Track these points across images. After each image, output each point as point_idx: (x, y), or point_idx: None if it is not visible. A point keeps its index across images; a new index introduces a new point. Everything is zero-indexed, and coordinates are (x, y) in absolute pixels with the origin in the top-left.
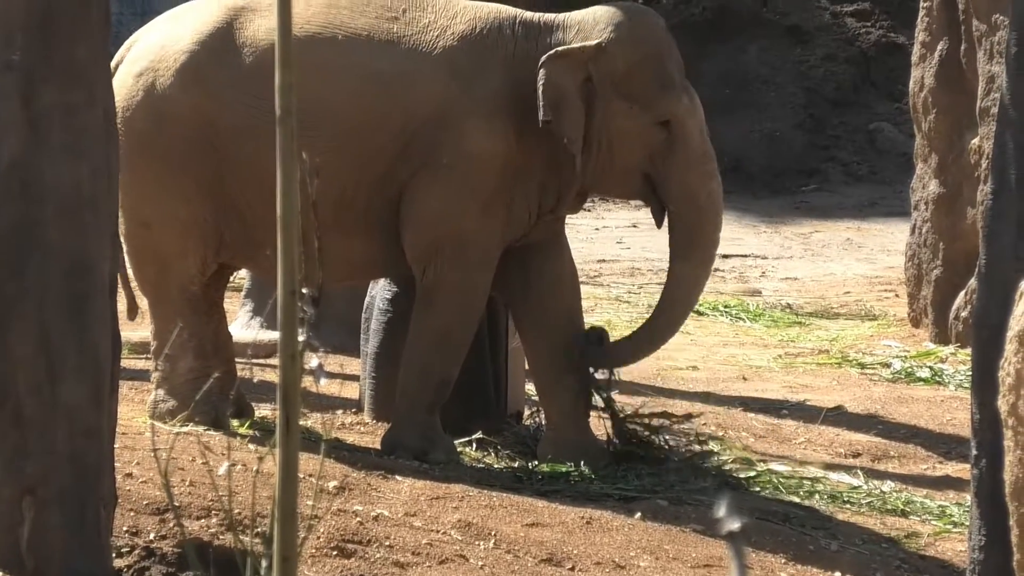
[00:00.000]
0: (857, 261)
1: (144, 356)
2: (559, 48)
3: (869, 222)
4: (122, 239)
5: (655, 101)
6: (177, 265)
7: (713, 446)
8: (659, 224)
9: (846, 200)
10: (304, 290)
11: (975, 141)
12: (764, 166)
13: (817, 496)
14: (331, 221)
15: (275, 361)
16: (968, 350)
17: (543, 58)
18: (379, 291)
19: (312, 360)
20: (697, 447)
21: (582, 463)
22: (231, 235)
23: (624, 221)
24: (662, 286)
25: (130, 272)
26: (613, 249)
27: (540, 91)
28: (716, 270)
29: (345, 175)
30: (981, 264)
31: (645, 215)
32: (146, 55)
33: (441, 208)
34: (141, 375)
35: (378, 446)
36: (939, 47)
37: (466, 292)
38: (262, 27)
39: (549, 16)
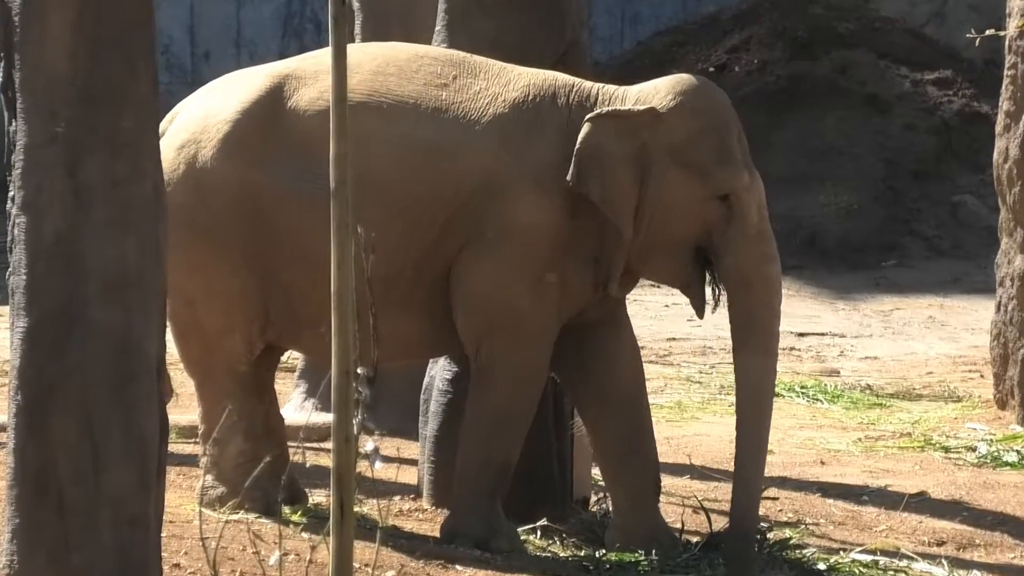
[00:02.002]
0: (940, 340)
1: (192, 440)
2: (611, 108)
3: (952, 299)
4: (168, 319)
5: (714, 173)
6: (223, 343)
7: (789, 533)
8: (700, 314)
9: (928, 276)
10: (359, 370)
11: None
12: (841, 240)
13: None
14: (378, 298)
15: (329, 444)
16: None
17: (590, 116)
18: (439, 371)
19: (368, 443)
20: (772, 535)
21: (652, 551)
22: (276, 312)
23: None
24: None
25: (175, 352)
26: (684, 327)
27: (576, 149)
28: (792, 348)
29: (391, 250)
30: None
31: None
32: (188, 127)
33: (492, 284)
34: (189, 460)
35: (437, 534)
36: None
37: (523, 371)
38: (306, 96)
39: (609, 87)
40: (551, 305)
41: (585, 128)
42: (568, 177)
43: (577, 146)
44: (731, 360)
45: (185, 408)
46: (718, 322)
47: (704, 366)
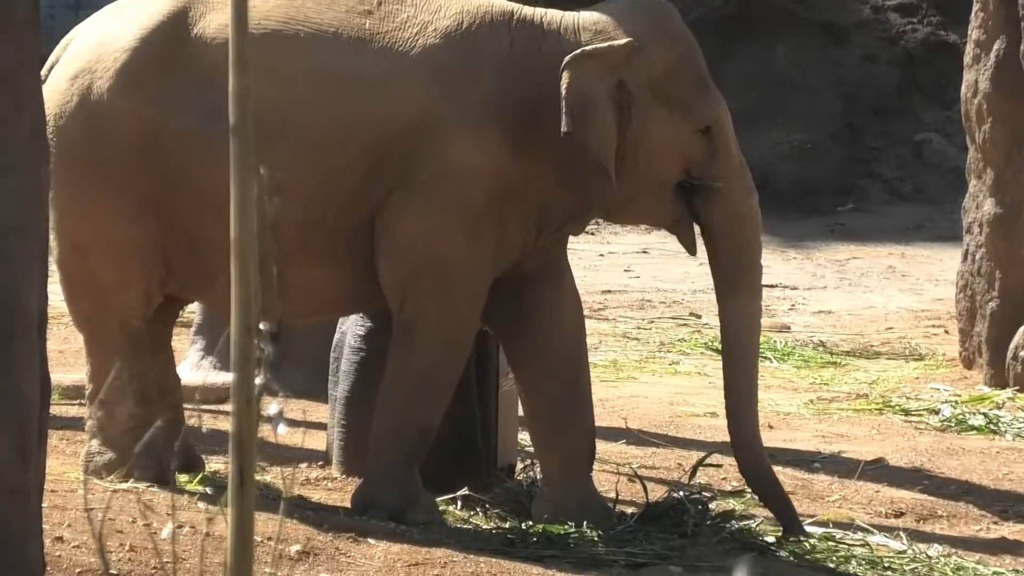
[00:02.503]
0: (901, 292)
1: (78, 401)
2: (587, 48)
3: (914, 247)
4: (55, 266)
5: (696, 105)
6: (117, 296)
7: (734, 503)
8: (692, 251)
9: (888, 222)
10: (262, 325)
11: None
12: (794, 183)
13: (854, 562)
14: (295, 248)
15: (228, 407)
16: None
17: (567, 59)
18: (350, 327)
19: (271, 406)
20: (715, 505)
21: (584, 523)
22: (179, 262)
23: (632, 246)
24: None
25: (64, 304)
26: (620, 278)
27: (564, 97)
28: None
29: (310, 195)
30: None
31: (656, 239)
32: (82, 55)
33: (421, 231)
34: (74, 423)
35: (348, 504)
36: (995, 46)
37: (451, 328)
38: (214, 22)
39: (555, 13)
40: (486, 256)
41: (566, 75)
42: (563, 128)
43: (564, 94)
44: (672, 315)
45: (70, 366)
46: (657, 272)
47: (642, 321)
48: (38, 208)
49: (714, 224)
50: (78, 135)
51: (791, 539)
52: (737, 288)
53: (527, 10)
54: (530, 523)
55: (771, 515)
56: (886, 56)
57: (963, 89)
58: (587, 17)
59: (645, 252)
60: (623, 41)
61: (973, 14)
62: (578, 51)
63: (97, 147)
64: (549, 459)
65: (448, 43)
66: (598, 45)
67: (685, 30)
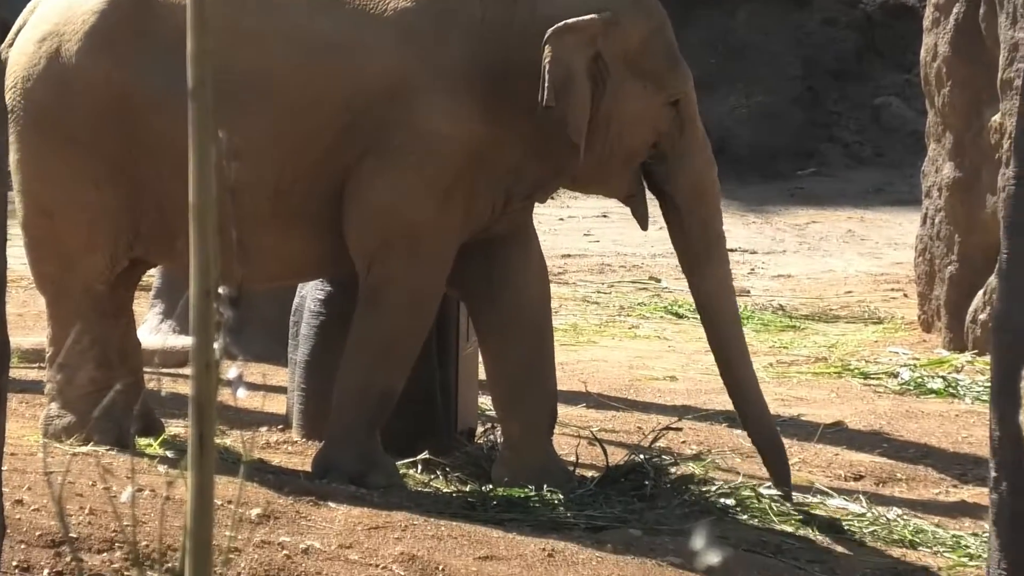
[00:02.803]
0: (860, 256)
1: (37, 365)
2: (568, 21)
3: (874, 211)
4: (17, 228)
5: (667, 78)
6: (83, 260)
7: (693, 467)
8: (644, 226)
9: (848, 186)
10: (221, 289)
11: (996, 118)
12: (754, 147)
13: (813, 525)
14: (266, 212)
15: (188, 370)
16: (987, 358)
17: (549, 33)
18: (310, 291)
19: (230, 369)
20: (675, 469)
21: (544, 487)
22: (147, 226)
23: (592, 210)
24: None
25: (23, 268)
26: (580, 242)
27: (546, 71)
28: None
29: (280, 159)
30: (1002, 259)
31: (616, 203)
32: (51, 17)
33: (392, 196)
34: (34, 387)
35: (308, 468)
36: (955, 10)
37: (417, 293)
38: None
39: None
40: (455, 221)
41: (548, 48)
42: (543, 102)
43: (547, 67)
44: (632, 279)
45: (29, 329)
46: (616, 236)
47: (601, 285)
48: None
49: (678, 196)
50: (46, 98)
51: (780, 495)
52: (709, 259)
53: None
54: (490, 486)
55: (732, 479)
56: (845, 19)
57: (922, 53)
58: None
59: (605, 216)
60: (602, 14)
61: None
62: (560, 24)
63: (65, 110)
64: (511, 423)
65: (420, 7)
66: (579, 18)
67: (659, 4)
